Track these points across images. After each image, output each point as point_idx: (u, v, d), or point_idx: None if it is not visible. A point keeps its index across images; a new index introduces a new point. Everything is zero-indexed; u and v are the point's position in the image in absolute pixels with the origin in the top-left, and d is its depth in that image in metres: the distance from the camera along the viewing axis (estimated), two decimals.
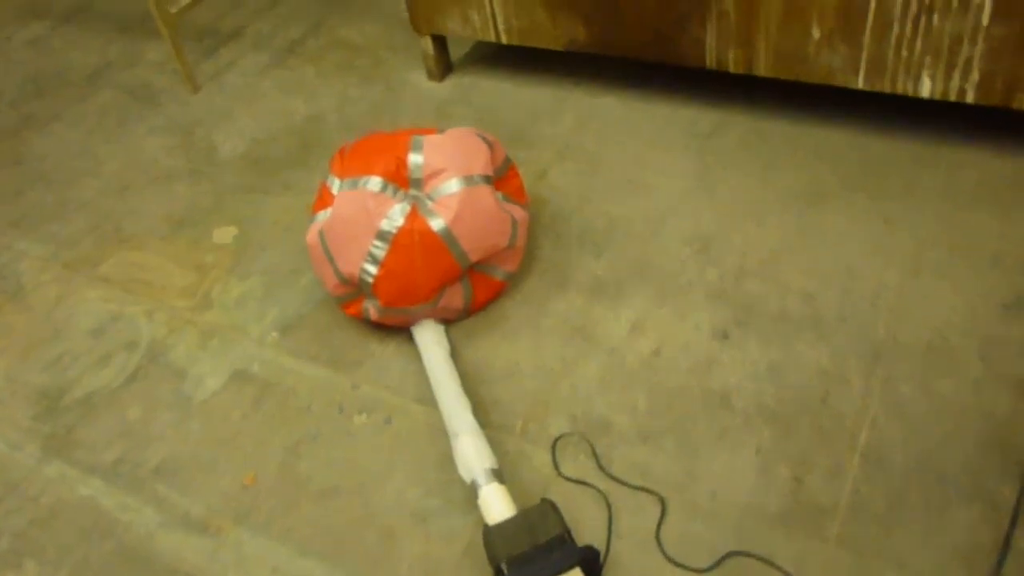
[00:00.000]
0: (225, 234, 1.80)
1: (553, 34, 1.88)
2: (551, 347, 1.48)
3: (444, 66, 2.15)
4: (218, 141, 2.06)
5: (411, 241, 1.39)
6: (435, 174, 1.44)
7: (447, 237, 1.40)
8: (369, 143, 1.50)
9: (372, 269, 1.40)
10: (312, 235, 1.48)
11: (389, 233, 1.39)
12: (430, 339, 1.43)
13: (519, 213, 1.51)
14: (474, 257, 1.43)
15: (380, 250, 1.39)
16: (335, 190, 1.48)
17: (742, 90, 1.90)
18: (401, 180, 1.44)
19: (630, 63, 1.99)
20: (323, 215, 1.48)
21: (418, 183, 1.45)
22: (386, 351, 1.51)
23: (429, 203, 1.43)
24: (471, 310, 1.52)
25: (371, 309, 1.46)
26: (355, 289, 1.47)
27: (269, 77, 2.24)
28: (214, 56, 2.36)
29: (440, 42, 2.11)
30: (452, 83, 2.12)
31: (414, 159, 1.44)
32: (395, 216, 1.40)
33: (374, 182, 1.43)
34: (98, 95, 2.30)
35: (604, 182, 1.77)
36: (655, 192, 1.72)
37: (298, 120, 2.08)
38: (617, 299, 1.53)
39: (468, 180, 1.43)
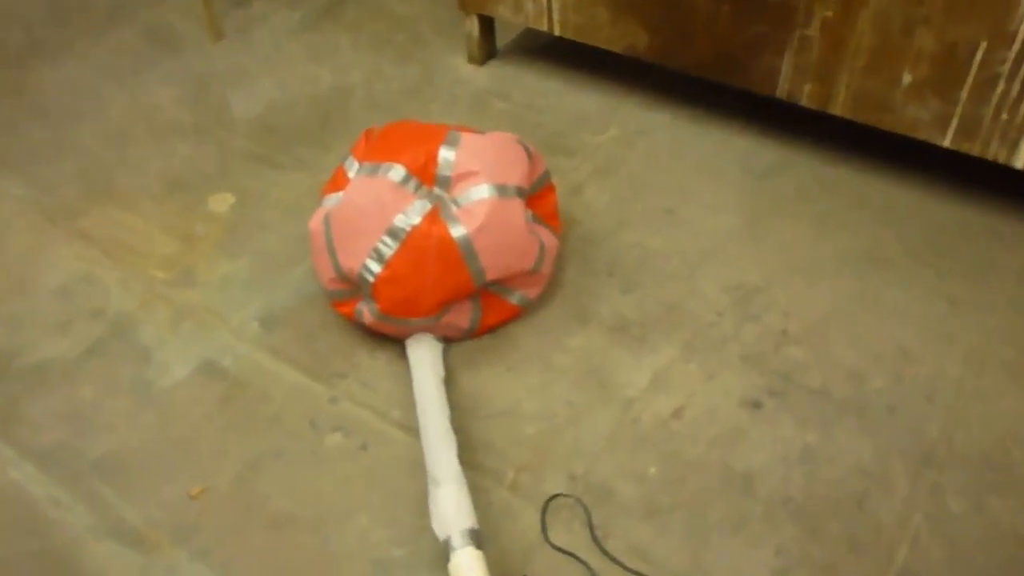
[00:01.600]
0: (221, 203, 1.64)
1: (612, 35, 1.70)
2: (560, 388, 1.31)
3: (487, 51, 1.98)
4: (232, 100, 1.89)
5: (425, 244, 1.22)
6: (465, 176, 1.27)
7: (466, 248, 1.23)
8: (400, 129, 1.34)
9: (375, 268, 1.24)
10: (316, 220, 1.32)
11: (402, 231, 1.23)
12: (424, 359, 1.26)
13: (549, 238, 1.34)
14: (491, 276, 1.26)
15: (388, 248, 1.23)
16: (351, 173, 1.32)
17: (808, 126, 1.72)
18: (427, 176, 1.28)
19: (689, 78, 1.82)
20: (333, 199, 1.32)
21: (445, 183, 1.28)
22: (374, 364, 1.35)
23: (453, 207, 1.26)
24: (476, 332, 1.35)
25: (366, 312, 1.30)
26: (352, 287, 1.30)
27: (299, 39, 2.07)
28: (244, 6, 2.19)
29: (487, 25, 1.93)
30: (493, 71, 1.95)
31: (445, 155, 1.28)
32: (412, 213, 1.23)
33: (396, 171, 1.26)
34: (116, 31, 2.13)
35: (643, 208, 1.59)
36: (698, 228, 1.55)
37: (322, 90, 1.91)
38: (641, 344, 1.36)
39: (500, 190, 1.26)
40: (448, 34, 2.06)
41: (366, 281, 1.25)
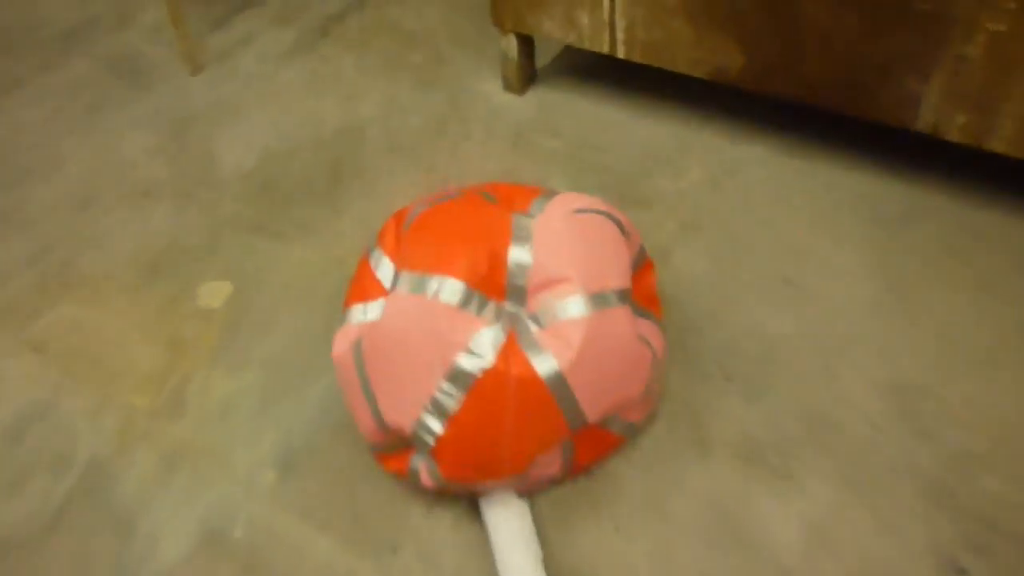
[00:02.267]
0: (215, 293, 1.29)
1: (694, 56, 1.36)
2: (687, 552, 0.97)
3: (527, 76, 1.63)
4: (219, 149, 1.54)
5: (503, 389, 0.88)
6: (548, 284, 0.92)
7: (558, 387, 0.89)
8: (445, 217, 0.98)
9: (435, 426, 0.89)
10: (342, 346, 0.97)
11: (469, 376, 0.88)
12: (511, 533, 0.92)
13: (657, 338, 1.00)
14: (592, 416, 0.93)
15: (451, 399, 0.88)
16: (387, 282, 0.96)
17: (941, 160, 1.39)
18: (494, 287, 0.92)
19: (779, 102, 1.48)
20: (362, 313, 0.97)
21: (519, 294, 0.93)
22: (436, 528, 1.01)
23: (534, 328, 0.91)
24: (568, 476, 1.02)
25: (424, 472, 0.95)
26: (402, 440, 0.96)
27: (294, 65, 1.72)
28: (225, 27, 1.83)
29: (527, 44, 1.59)
30: (534, 99, 1.61)
31: (517, 256, 0.93)
32: (481, 347, 0.88)
33: (451, 288, 0.91)
34: (72, 64, 1.77)
35: (752, 276, 1.26)
36: (828, 302, 1.22)
37: (328, 130, 1.56)
38: (784, 479, 1.03)
39: (599, 300, 0.91)
40: (475, 53, 1.71)
41: (424, 442, 0.90)
